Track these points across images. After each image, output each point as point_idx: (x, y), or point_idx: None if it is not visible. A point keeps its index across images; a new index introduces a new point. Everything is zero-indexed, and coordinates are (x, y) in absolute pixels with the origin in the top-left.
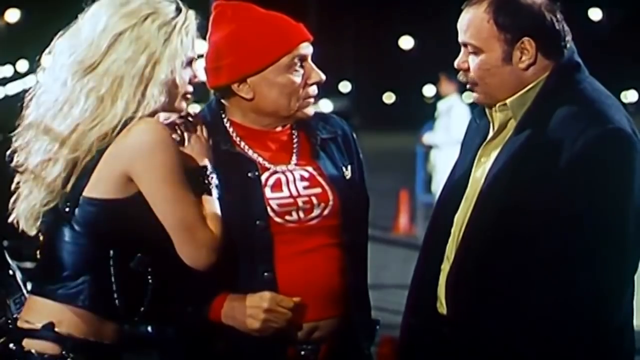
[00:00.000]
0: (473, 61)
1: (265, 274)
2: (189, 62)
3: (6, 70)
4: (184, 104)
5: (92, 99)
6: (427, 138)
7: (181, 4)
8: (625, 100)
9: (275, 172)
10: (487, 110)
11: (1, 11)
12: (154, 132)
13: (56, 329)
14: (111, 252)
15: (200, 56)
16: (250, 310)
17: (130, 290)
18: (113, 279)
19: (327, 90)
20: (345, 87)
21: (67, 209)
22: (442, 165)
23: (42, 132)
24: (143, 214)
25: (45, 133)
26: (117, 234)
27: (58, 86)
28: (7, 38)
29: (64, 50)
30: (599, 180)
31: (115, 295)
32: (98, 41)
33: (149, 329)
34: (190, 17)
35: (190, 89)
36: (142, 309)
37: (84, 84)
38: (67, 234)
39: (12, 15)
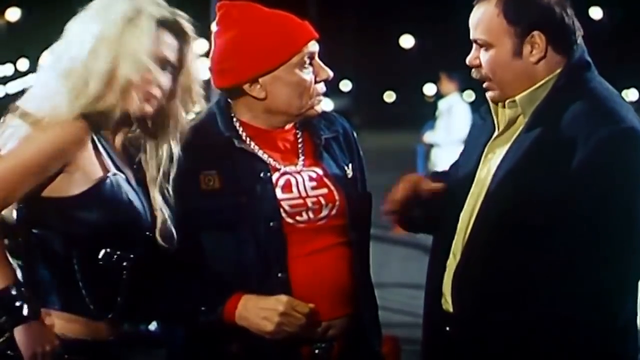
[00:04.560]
0: (484, 57)
1: (280, 274)
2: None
3: (7, 69)
4: (142, 106)
5: (60, 94)
6: (428, 137)
7: (161, 6)
8: (626, 99)
9: (285, 173)
10: (492, 108)
11: (2, 10)
12: (66, 124)
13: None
14: (73, 251)
15: (205, 55)
16: (266, 312)
17: (100, 288)
18: (79, 278)
19: (328, 89)
20: (345, 85)
21: (20, 212)
22: (442, 164)
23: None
24: (99, 210)
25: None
26: (73, 233)
27: (40, 82)
28: (8, 37)
29: (54, 52)
30: (610, 179)
31: (84, 293)
32: (78, 44)
33: (152, 328)
34: (149, 16)
35: (151, 90)
36: (116, 305)
37: (59, 80)
38: (27, 236)
39: (13, 14)
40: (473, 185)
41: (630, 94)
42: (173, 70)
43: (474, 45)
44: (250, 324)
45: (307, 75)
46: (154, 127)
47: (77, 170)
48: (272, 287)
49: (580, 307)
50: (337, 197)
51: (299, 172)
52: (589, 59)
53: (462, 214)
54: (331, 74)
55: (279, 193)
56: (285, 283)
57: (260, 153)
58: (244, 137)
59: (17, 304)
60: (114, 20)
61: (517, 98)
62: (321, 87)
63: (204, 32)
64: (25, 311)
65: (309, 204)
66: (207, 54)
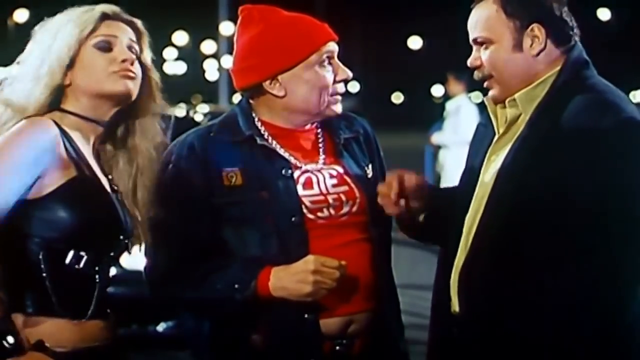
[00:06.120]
0: (485, 55)
1: None
2: (104, 46)
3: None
4: (114, 85)
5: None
6: (436, 138)
7: (94, 12)
8: (634, 100)
9: (306, 171)
10: (490, 110)
11: (10, 11)
12: (26, 123)
13: (47, 345)
14: (41, 253)
15: (213, 56)
16: (298, 275)
17: (70, 291)
18: (47, 280)
19: None
20: (353, 87)
21: None
22: (450, 165)
23: None
24: (65, 211)
25: None
26: (40, 234)
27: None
28: (16, 38)
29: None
30: (614, 170)
31: (52, 296)
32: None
33: (160, 329)
34: (91, 10)
35: (114, 67)
36: (91, 308)
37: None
38: None
39: (21, 15)
40: (477, 187)
41: (638, 95)
42: (136, 57)
43: (474, 47)
44: (288, 292)
45: (326, 73)
46: (123, 134)
47: (48, 172)
48: None
49: (587, 305)
50: (357, 194)
51: (319, 170)
52: (587, 57)
53: (467, 217)
54: (350, 74)
55: (300, 190)
56: None
57: (281, 151)
58: (265, 136)
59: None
60: (68, 17)
61: (516, 96)
62: (340, 87)
63: (212, 34)
64: (9, 348)
65: (330, 201)
66: (214, 55)
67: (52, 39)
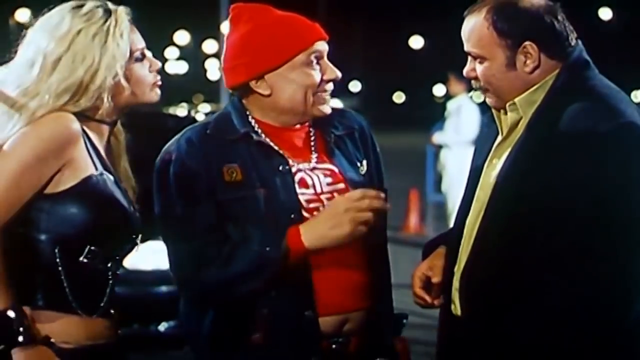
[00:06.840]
0: (479, 69)
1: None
2: (141, 57)
3: None
4: (153, 95)
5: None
6: (437, 137)
7: (109, 4)
8: (635, 100)
9: (299, 169)
10: (494, 113)
11: (11, 11)
12: (52, 117)
13: (52, 340)
14: (56, 247)
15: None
16: (331, 220)
17: (84, 287)
18: (63, 276)
19: (337, 89)
20: (355, 86)
21: None
22: (452, 164)
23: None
24: (83, 208)
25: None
26: (57, 230)
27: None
28: (18, 37)
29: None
30: (612, 175)
31: (67, 291)
32: (40, 66)
33: (161, 328)
34: (121, 16)
35: (153, 78)
36: (103, 304)
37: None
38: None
39: (22, 15)
40: (478, 190)
41: None
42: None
43: (469, 58)
44: (328, 239)
45: (313, 73)
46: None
47: (68, 167)
48: (293, 277)
49: (589, 307)
50: None
51: (312, 169)
52: (587, 57)
53: (467, 220)
54: (339, 74)
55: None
56: (306, 274)
57: (276, 148)
58: (260, 133)
59: (13, 328)
60: (96, 26)
61: (516, 100)
62: (328, 87)
63: (214, 33)
64: (20, 337)
65: (324, 200)
66: (216, 55)
67: (86, 46)
